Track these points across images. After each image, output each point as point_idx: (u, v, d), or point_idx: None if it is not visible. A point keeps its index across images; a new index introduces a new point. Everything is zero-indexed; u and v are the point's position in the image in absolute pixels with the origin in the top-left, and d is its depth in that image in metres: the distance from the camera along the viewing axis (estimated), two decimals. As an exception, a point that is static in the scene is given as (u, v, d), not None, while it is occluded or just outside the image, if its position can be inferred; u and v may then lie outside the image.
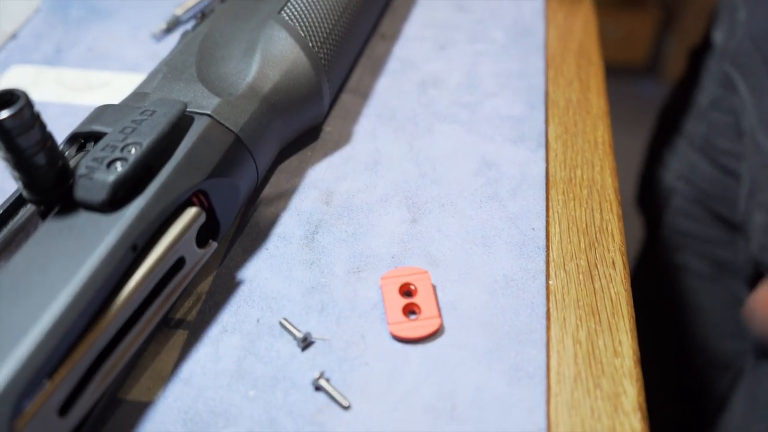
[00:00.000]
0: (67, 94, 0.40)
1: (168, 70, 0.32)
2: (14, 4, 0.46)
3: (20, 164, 0.24)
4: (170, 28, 0.45)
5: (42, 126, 0.24)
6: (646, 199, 0.78)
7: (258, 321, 0.28)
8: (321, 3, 0.36)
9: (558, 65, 0.42)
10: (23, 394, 0.21)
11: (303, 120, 0.35)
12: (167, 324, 0.29)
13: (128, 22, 0.46)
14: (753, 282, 0.58)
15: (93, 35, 0.45)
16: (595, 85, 0.41)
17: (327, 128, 0.37)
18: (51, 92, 0.40)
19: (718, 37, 0.60)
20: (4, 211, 0.27)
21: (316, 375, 0.26)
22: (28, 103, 0.23)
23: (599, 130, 0.38)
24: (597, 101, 0.40)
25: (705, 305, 0.67)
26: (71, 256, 0.24)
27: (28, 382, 0.21)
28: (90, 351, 0.23)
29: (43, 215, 0.26)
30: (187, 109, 0.30)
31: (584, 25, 0.45)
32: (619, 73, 1.89)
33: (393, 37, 0.44)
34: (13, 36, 0.45)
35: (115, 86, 0.41)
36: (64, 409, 0.23)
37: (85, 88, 0.40)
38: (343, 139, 0.37)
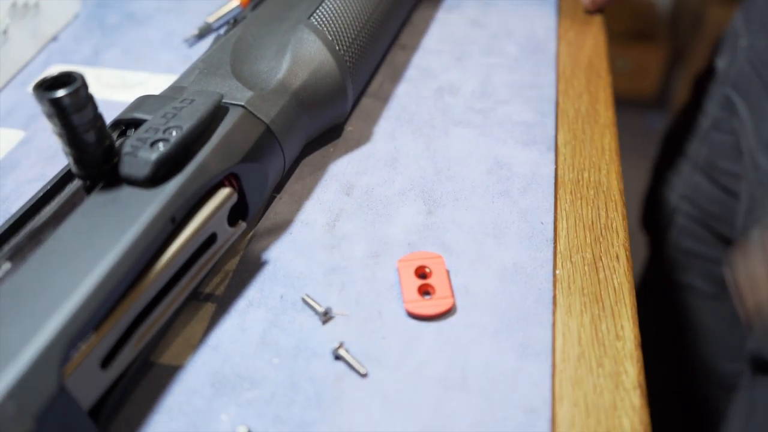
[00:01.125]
0: (105, 91, 0.43)
1: (204, 67, 0.35)
2: (55, 9, 0.49)
3: (72, 140, 0.26)
4: (202, 35, 0.47)
5: (94, 106, 0.26)
6: (651, 219, 0.79)
7: (282, 297, 0.30)
8: (347, 12, 0.39)
9: (568, 78, 0.44)
10: (71, 343, 0.23)
11: (327, 116, 0.37)
12: (197, 297, 0.31)
13: (162, 28, 0.49)
14: None
15: (128, 39, 0.48)
16: (603, 98, 0.43)
17: (349, 128, 0.40)
18: (90, 89, 0.43)
19: (721, 63, 0.63)
20: (53, 186, 0.29)
21: (336, 345, 0.28)
22: (84, 85, 0.26)
23: (606, 138, 0.40)
24: (605, 112, 0.42)
25: (708, 325, 0.68)
26: (116, 224, 0.26)
27: (76, 332, 0.23)
28: (131, 310, 0.25)
29: (88, 190, 0.28)
30: (223, 101, 0.32)
31: (594, 42, 0.48)
32: (629, 106, 1.92)
33: (413, 48, 0.46)
34: (54, 38, 0.48)
35: (150, 85, 0.43)
36: (106, 362, 0.25)
37: (122, 86, 0.43)
38: (363, 138, 0.39)
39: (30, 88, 0.44)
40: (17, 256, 0.26)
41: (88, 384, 0.24)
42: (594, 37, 0.48)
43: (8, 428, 0.20)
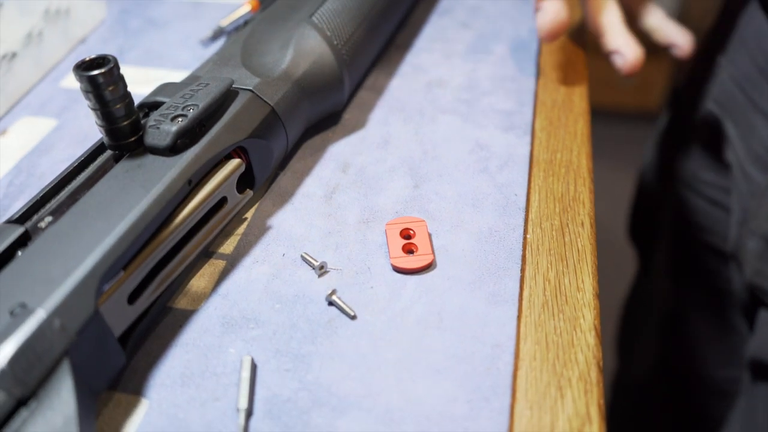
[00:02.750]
0: (130, 86, 0.47)
1: (217, 59, 0.39)
2: (84, 15, 0.54)
3: (105, 114, 0.31)
4: (216, 36, 0.52)
5: (124, 85, 0.31)
6: (638, 232, 0.82)
7: (283, 255, 0.35)
8: (345, 12, 0.43)
9: (548, 73, 0.49)
10: (105, 278, 0.27)
11: (326, 103, 0.41)
12: (210, 256, 0.35)
13: (179, 31, 0.54)
14: (747, 308, 0.61)
15: (150, 41, 0.53)
16: (579, 90, 0.47)
17: (346, 115, 0.44)
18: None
19: (700, 77, 0.65)
20: (87, 158, 0.33)
21: (329, 292, 0.32)
22: (116, 65, 0.30)
23: (579, 124, 0.44)
24: (579, 102, 0.46)
25: (700, 332, 0.70)
26: (142, 184, 0.30)
27: (109, 268, 0.27)
28: (154, 255, 0.30)
29: (117, 159, 0.33)
30: (234, 86, 0.37)
31: (574, 42, 0.52)
32: (634, 119, 1.96)
33: (407, 47, 0.51)
34: (83, 41, 0.53)
35: (169, 80, 0.48)
36: (132, 298, 0.29)
37: (144, 81, 0.48)
38: (359, 124, 0.43)
39: (61, 84, 0.49)
40: (57, 211, 0.30)
41: (118, 314, 0.29)
42: (574, 37, 0.52)
43: (55, 338, 0.24)
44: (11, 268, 0.27)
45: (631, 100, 1.96)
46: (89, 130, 0.44)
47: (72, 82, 0.49)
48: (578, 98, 0.46)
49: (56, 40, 0.51)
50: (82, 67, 0.30)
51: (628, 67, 0.48)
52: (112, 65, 0.30)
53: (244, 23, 0.47)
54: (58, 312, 0.25)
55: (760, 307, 0.56)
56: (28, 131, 0.44)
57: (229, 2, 0.58)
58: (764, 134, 0.54)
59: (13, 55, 0.47)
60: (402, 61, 0.49)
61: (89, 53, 0.51)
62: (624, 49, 0.48)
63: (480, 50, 0.50)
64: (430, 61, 0.49)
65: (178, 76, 0.48)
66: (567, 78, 0.48)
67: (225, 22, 0.53)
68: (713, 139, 0.62)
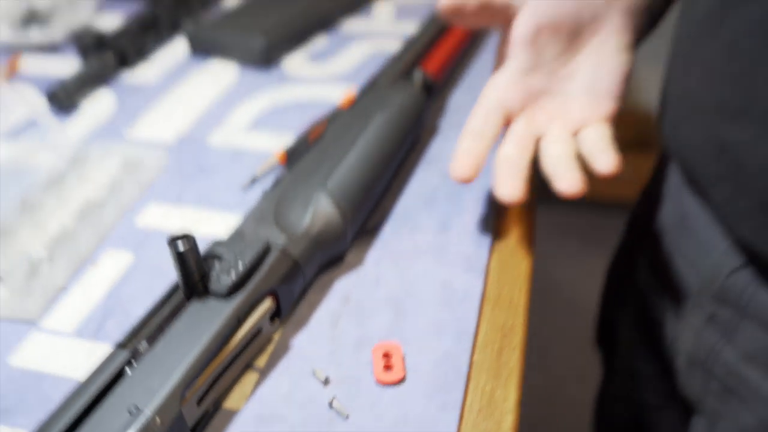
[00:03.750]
0: (190, 224, 0.63)
1: (258, 216, 0.55)
2: (152, 164, 0.70)
3: (184, 273, 0.46)
4: (252, 183, 0.68)
5: (198, 253, 0.46)
6: (602, 338, 0.91)
7: (299, 369, 0.49)
8: (352, 180, 0.59)
9: (503, 222, 0.64)
10: (186, 387, 0.42)
11: (333, 251, 0.57)
12: (247, 368, 0.49)
13: (224, 178, 0.70)
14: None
15: (201, 185, 0.69)
16: (527, 237, 0.62)
17: (348, 258, 0.59)
18: (177, 222, 0.63)
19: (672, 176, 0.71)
20: (165, 296, 0.48)
21: (331, 398, 0.46)
22: (194, 240, 0.46)
23: (522, 265, 0.59)
24: (525, 249, 0.61)
25: None
26: (207, 321, 0.45)
27: (188, 381, 0.42)
28: (215, 371, 0.44)
29: (188, 297, 0.48)
30: (269, 242, 0.52)
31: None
32: (626, 211, 2.08)
33: (396, 196, 0.67)
34: (150, 186, 0.69)
35: (216, 220, 0.64)
36: (200, 401, 0.44)
37: (199, 221, 0.63)
38: (358, 264, 0.58)
39: (136, 223, 0.65)
40: (151, 338, 0.45)
41: (191, 413, 0.43)
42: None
43: (156, 431, 0.39)
44: (126, 381, 0.41)
45: (625, 192, 2.09)
46: (161, 264, 0.59)
47: (144, 221, 0.64)
48: (525, 246, 0.61)
49: (132, 186, 0.67)
50: (172, 241, 0.45)
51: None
52: (192, 243, 0.45)
53: (275, 178, 0.63)
54: (158, 411, 0.39)
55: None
56: (112, 264, 0.59)
57: (263, 152, 0.74)
58: (684, 271, 0.63)
59: (102, 203, 0.63)
60: (392, 209, 0.65)
61: (155, 197, 0.67)
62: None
63: (454, 199, 0.66)
64: (414, 211, 0.65)
65: (223, 216, 0.64)
66: (520, 224, 0.63)
67: (259, 173, 0.69)
68: (656, 264, 0.69)
